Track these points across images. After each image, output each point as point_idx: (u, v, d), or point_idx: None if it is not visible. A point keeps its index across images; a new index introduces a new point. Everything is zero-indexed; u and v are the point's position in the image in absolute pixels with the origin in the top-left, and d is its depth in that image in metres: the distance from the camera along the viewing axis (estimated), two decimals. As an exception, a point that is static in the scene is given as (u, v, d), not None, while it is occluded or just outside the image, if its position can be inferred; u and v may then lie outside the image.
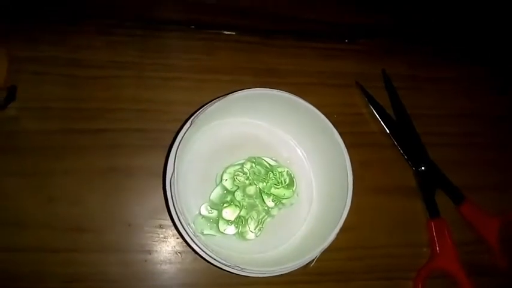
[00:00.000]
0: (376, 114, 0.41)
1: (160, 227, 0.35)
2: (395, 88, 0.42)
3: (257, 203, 0.36)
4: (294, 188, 0.37)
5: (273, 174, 0.36)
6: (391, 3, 0.47)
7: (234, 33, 0.41)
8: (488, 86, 0.47)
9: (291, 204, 0.37)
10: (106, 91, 0.38)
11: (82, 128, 0.36)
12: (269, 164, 0.37)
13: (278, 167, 0.37)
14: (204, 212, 0.35)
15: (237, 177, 0.35)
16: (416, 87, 0.44)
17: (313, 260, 0.32)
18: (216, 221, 0.35)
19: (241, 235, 0.35)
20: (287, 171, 0.37)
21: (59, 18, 0.39)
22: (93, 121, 0.37)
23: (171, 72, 0.39)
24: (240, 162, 0.36)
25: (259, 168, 0.36)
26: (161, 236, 0.35)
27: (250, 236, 0.35)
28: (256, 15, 0.43)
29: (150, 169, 0.36)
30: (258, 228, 0.35)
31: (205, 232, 0.34)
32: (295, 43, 0.42)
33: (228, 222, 0.35)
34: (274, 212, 0.36)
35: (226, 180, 0.35)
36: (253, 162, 0.36)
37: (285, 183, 0.36)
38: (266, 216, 0.36)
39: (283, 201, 0.36)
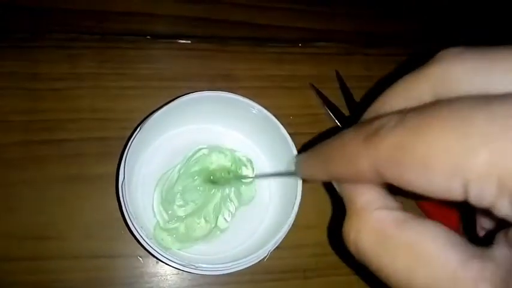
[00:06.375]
0: (331, 114, 0.42)
1: (121, 232, 0.36)
2: (349, 88, 0.43)
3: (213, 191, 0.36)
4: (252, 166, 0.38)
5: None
6: (342, 8, 0.48)
7: (189, 41, 0.42)
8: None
9: (252, 197, 0.37)
10: (66, 102, 0.38)
11: (42, 139, 0.37)
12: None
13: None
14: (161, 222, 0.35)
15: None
16: (372, 86, 0.45)
17: (267, 255, 0.32)
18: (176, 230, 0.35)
19: (214, 230, 0.36)
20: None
21: (19, 34, 0.40)
22: (53, 132, 0.37)
23: (128, 81, 0.40)
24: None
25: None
26: (121, 241, 0.35)
27: (223, 224, 0.36)
28: (210, 22, 0.44)
29: (110, 176, 0.36)
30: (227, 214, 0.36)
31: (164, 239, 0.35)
32: (249, 48, 0.43)
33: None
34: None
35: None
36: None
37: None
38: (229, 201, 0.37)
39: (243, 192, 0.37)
